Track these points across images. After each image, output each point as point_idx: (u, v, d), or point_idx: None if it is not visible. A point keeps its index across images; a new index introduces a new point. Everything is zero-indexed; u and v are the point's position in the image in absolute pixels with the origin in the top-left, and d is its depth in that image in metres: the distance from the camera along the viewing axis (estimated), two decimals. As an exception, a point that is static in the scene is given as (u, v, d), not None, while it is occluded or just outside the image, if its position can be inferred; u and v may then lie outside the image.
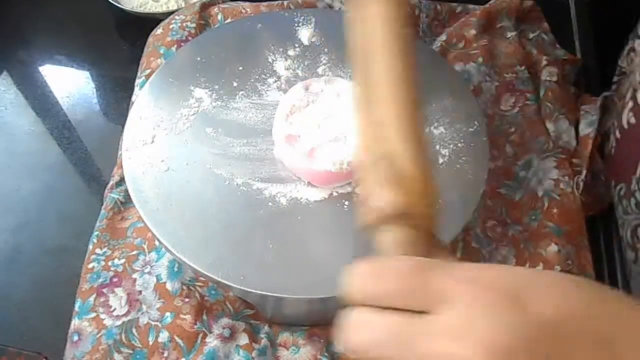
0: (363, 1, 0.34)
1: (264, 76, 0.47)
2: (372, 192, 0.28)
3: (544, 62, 0.57)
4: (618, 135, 0.49)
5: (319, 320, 0.45)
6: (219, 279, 0.37)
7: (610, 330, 0.22)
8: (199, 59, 0.48)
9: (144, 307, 0.46)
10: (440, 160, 0.43)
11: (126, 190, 0.48)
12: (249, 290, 0.36)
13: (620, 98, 0.51)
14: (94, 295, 0.46)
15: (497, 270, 0.23)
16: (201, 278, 0.46)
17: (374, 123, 0.30)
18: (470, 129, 0.45)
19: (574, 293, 0.23)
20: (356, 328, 0.23)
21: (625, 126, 0.47)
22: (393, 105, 0.30)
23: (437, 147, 0.43)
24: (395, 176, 0.27)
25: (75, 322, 0.46)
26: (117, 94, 0.68)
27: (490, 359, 0.21)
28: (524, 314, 0.22)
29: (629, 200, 0.46)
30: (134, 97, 0.57)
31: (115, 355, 0.44)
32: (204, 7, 0.62)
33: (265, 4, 0.61)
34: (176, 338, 0.44)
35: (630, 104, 0.47)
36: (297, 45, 0.49)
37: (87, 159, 0.63)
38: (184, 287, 0.46)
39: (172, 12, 0.62)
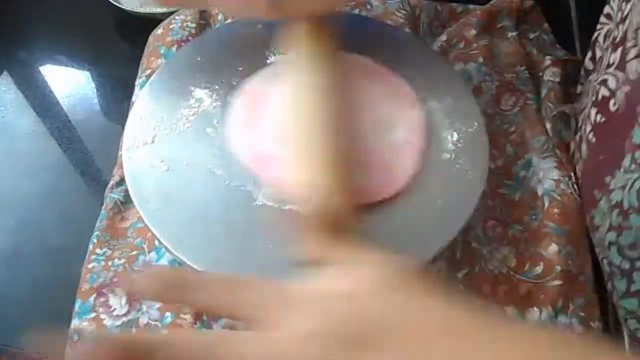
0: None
1: (264, 76, 0.47)
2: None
3: (547, 62, 0.57)
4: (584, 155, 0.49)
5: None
6: (219, 279, 0.37)
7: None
8: (199, 59, 0.48)
9: (144, 307, 0.45)
10: (440, 160, 0.43)
11: (126, 190, 0.48)
12: (249, 290, 0.36)
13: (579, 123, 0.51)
14: (94, 295, 0.46)
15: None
16: (201, 278, 0.46)
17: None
18: (470, 129, 0.45)
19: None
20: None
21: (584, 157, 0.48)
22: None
23: (437, 147, 0.43)
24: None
25: (75, 322, 0.45)
26: (117, 94, 0.68)
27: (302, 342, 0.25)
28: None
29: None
30: (134, 97, 0.57)
31: (116, 355, 0.44)
32: (205, 7, 0.62)
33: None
34: (176, 338, 0.44)
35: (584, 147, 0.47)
36: (297, 45, 0.49)
37: (87, 159, 0.63)
38: (184, 287, 0.46)
39: (172, 12, 0.62)
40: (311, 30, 0.44)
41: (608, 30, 0.48)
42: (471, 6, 0.62)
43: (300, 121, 0.40)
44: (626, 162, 0.41)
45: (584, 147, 0.48)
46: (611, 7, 0.48)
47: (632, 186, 0.40)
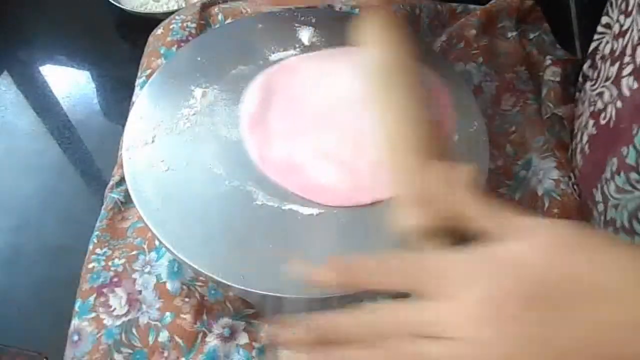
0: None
1: (264, 76, 0.47)
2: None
3: (548, 62, 0.57)
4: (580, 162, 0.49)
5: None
6: (219, 279, 0.37)
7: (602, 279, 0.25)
8: (199, 59, 0.48)
9: (144, 307, 0.46)
10: (441, 160, 0.43)
11: (126, 190, 0.48)
12: (249, 290, 0.36)
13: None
14: (94, 295, 0.46)
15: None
16: (201, 278, 0.46)
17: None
18: (470, 129, 0.45)
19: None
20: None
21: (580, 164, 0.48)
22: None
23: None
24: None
25: (75, 322, 0.46)
26: (117, 94, 0.68)
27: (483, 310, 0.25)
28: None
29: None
30: (134, 97, 0.57)
31: (116, 355, 0.44)
32: (205, 7, 0.62)
33: (265, 4, 0.61)
34: (176, 338, 0.44)
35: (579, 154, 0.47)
36: (297, 45, 0.49)
37: (87, 159, 0.63)
38: (184, 287, 0.46)
39: (172, 12, 0.62)
40: (385, 21, 0.43)
41: (608, 42, 0.48)
42: (471, 6, 0.62)
43: (386, 110, 0.39)
44: (619, 181, 0.41)
45: (579, 156, 0.49)
46: (610, 18, 0.48)
47: (625, 206, 0.40)
